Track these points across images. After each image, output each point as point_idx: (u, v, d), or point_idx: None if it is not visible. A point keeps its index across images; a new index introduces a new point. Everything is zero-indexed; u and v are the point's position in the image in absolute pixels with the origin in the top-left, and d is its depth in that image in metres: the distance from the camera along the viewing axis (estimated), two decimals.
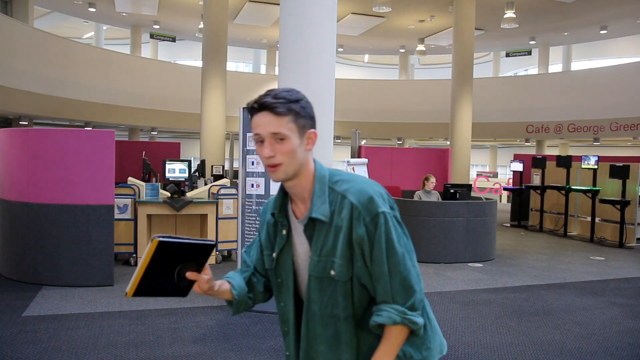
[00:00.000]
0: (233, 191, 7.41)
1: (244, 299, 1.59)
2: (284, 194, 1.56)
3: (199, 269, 1.40)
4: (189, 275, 1.39)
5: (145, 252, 1.32)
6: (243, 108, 5.25)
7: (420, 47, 20.49)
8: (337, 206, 1.45)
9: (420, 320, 1.45)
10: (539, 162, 11.72)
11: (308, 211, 1.48)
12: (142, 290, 1.37)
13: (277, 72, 7.16)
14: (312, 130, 1.47)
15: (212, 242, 1.36)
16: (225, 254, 7.79)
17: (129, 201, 7.01)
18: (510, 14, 14.91)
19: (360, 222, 1.42)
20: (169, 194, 7.24)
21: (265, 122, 1.41)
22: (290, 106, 1.42)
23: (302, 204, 1.52)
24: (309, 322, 1.51)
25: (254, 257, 1.67)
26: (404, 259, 1.45)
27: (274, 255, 1.56)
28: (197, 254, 1.38)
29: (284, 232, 1.54)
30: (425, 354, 1.51)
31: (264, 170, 5.09)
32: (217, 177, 11.35)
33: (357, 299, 1.47)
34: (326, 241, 1.45)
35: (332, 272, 1.45)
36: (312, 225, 1.47)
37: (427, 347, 1.52)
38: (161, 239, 1.30)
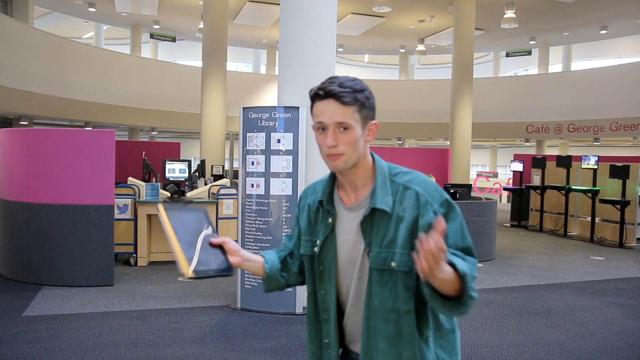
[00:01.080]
0: (233, 191, 7.41)
1: (276, 275, 1.61)
2: (333, 181, 1.56)
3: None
4: (213, 240, 1.48)
5: (162, 223, 1.47)
6: (244, 108, 5.25)
7: (420, 47, 20.49)
8: (398, 197, 1.45)
9: (476, 297, 1.37)
10: (539, 162, 11.72)
11: (363, 200, 1.49)
12: (196, 265, 1.47)
13: (277, 72, 7.17)
14: (374, 121, 1.48)
15: (191, 200, 1.54)
16: None
17: (129, 201, 7.01)
18: (510, 14, 14.91)
19: (428, 209, 1.43)
20: (169, 194, 7.25)
21: (330, 110, 1.41)
22: (356, 96, 1.42)
23: (352, 192, 1.52)
24: (369, 317, 1.48)
25: (292, 241, 1.70)
26: (471, 248, 1.45)
27: (318, 242, 1.55)
28: (202, 218, 1.53)
29: (330, 220, 1.53)
30: (454, 358, 1.53)
31: (263, 170, 5.09)
32: (217, 177, 11.35)
33: (418, 292, 1.46)
34: (387, 232, 1.44)
35: (393, 264, 1.44)
36: (371, 217, 1.46)
37: (456, 353, 1.55)
38: (163, 202, 1.49)
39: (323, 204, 1.54)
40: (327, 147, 1.42)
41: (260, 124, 5.09)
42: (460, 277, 1.32)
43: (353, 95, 1.41)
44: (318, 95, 1.43)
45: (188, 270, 1.42)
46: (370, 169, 1.50)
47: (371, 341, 1.49)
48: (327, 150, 1.43)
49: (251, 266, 1.59)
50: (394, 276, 1.44)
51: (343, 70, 28.97)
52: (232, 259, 1.51)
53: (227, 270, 1.50)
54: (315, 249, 1.55)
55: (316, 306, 1.59)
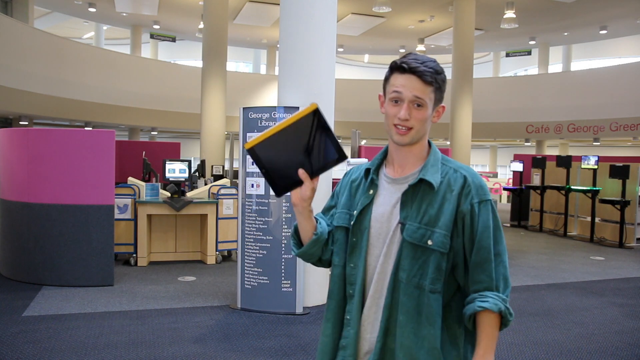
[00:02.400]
0: (233, 191, 7.41)
1: (321, 243, 1.58)
2: (384, 157, 1.60)
3: (312, 175, 1.41)
4: (301, 172, 1.39)
5: (296, 113, 1.36)
6: (244, 108, 5.25)
7: (420, 47, 20.49)
8: (447, 178, 1.50)
9: (512, 318, 1.49)
10: (539, 162, 11.72)
11: (410, 175, 1.52)
12: (261, 150, 1.37)
13: (277, 72, 7.17)
14: (443, 104, 1.53)
15: (345, 157, 1.39)
16: (226, 254, 7.79)
17: (129, 201, 7.02)
18: (510, 14, 14.92)
19: (467, 200, 1.47)
20: (169, 194, 7.25)
21: (411, 85, 1.45)
22: (436, 77, 1.46)
23: (399, 168, 1.55)
24: (394, 290, 1.49)
25: (328, 216, 1.69)
26: (505, 250, 1.49)
27: (355, 213, 1.56)
28: (325, 157, 1.39)
29: (371, 191, 1.55)
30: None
31: None
32: (217, 177, 11.35)
33: (446, 277, 1.47)
34: (429, 209, 1.47)
35: (430, 242, 1.46)
36: (415, 190, 1.49)
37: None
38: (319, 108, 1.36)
39: (369, 174, 1.57)
40: (398, 119, 1.46)
41: (260, 124, 5.09)
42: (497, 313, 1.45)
43: (434, 76, 1.45)
44: (401, 68, 1.46)
45: (252, 142, 1.36)
46: (424, 150, 1.55)
47: (392, 313, 1.49)
48: (397, 122, 1.47)
49: (304, 220, 1.52)
50: (426, 254, 1.46)
51: (343, 70, 28.97)
52: (297, 197, 1.43)
53: (276, 188, 1.41)
54: (352, 221, 1.57)
55: (343, 280, 1.58)
